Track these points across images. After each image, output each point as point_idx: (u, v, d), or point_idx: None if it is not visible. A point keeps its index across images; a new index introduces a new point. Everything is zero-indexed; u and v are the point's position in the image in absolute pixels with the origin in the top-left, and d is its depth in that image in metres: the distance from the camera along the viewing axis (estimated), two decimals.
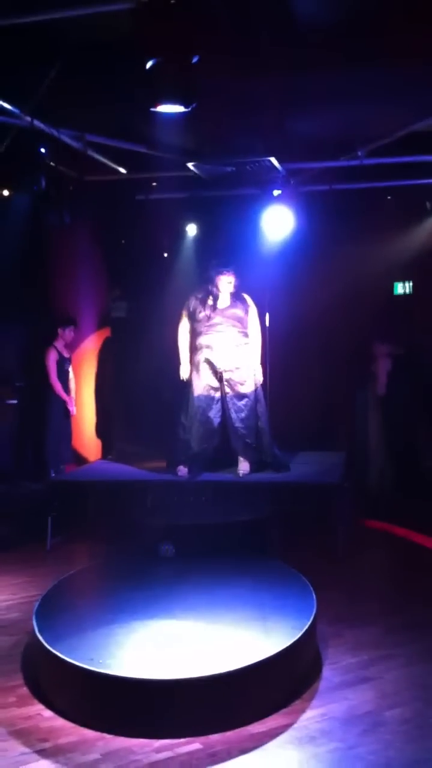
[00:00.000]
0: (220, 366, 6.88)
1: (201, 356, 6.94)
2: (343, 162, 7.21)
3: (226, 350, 6.88)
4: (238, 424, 6.87)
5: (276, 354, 8.37)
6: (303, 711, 3.77)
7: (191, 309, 7.06)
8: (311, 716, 3.72)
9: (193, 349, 7.04)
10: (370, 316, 8.52)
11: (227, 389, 6.88)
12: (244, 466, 6.88)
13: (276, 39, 4.89)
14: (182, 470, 6.85)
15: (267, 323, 8.31)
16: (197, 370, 6.97)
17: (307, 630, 4.08)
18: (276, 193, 7.38)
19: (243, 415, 6.88)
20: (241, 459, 6.90)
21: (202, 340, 6.94)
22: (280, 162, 6.95)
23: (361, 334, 8.53)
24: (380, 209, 8.23)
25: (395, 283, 9.12)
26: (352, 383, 8.63)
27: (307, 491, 6.69)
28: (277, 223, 7.50)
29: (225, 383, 6.89)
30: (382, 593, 5.63)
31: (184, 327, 7.16)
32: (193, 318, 7.04)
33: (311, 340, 8.88)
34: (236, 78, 5.39)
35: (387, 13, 4.55)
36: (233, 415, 6.86)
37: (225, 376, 6.89)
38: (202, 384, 6.93)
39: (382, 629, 4.83)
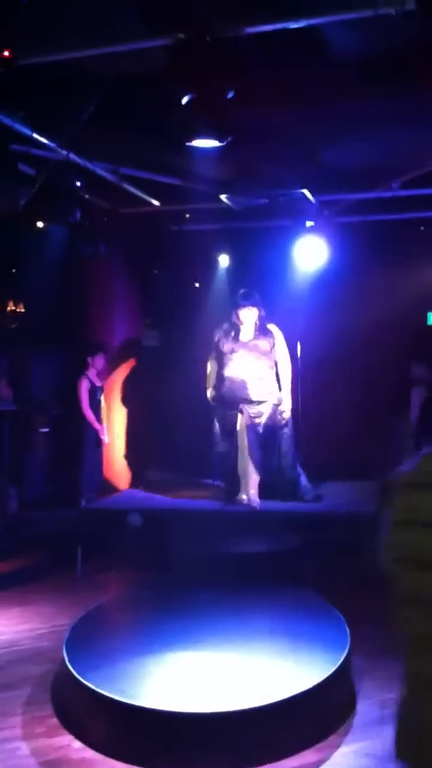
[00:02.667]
0: (240, 399, 6.87)
1: (222, 387, 6.97)
2: (377, 193, 7.23)
3: (246, 383, 6.87)
4: (253, 457, 6.84)
5: (308, 383, 8.36)
6: (337, 746, 3.70)
7: (216, 341, 7.11)
8: (346, 752, 3.65)
9: (219, 380, 7.07)
10: (403, 346, 8.49)
11: (247, 422, 6.87)
12: (254, 502, 6.83)
13: (309, 71, 4.94)
14: (251, 498, 6.82)
15: (299, 352, 8.32)
16: (220, 403, 7.01)
17: (341, 664, 4.02)
18: (309, 224, 7.42)
19: (260, 447, 6.85)
20: (251, 490, 6.86)
21: (225, 372, 6.97)
22: (312, 194, 6.99)
23: (394, 364, 8.48)
24: (414, 240, 8.23)
25: (429, 314, 9.08)
26: (386, 412, 8.57)
27: (342, 521, 6.62)
28: (310, 253, 7.53)
29: (245, 416, 6.88)
30: None
31: (211, 358, 7.24)
32: (218, 350, 7.09)
33: (344, 369, 8.86)
34: (269, 111, 5.45)
35: (420, 44, 4.58)
36: (249, 448, 6.84)
37: (245, 409, 6.88)
38: (223, 416, 6.96)
39: None
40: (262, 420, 6.88)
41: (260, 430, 6.88)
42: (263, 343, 6.98)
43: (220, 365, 7.06)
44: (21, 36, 4.41)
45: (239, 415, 6.92)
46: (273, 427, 6.92)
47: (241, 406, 6.90)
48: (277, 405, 6.94)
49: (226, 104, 4.58)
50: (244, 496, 6.87)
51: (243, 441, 6.92)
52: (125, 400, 9.09)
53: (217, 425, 7.05)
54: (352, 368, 8.87)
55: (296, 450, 7.21)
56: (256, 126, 5.65)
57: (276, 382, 7.01)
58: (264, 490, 6.91)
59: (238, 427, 6.94)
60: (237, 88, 4.53)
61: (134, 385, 9.17)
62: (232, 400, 6.92)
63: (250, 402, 6.87)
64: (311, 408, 8.39)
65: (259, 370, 6.91)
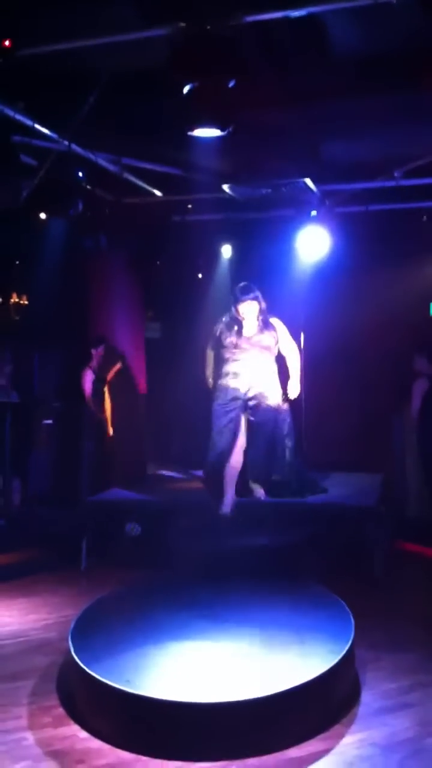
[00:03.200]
0: (242, 393, 6.81)
1: (224, 382, 6.91)
2: (379, 183, 7.21)
3: (249, 378, 6.81)
4: (253, 452, 6.81)
5: (311, 375, 8.33)
6: (342, 736, 3.71)
7: (218, 334, 7.03)
8: (350, 742, 3.66)
9: (219, 374, 7.00)
10: (406, 337, 8.47)
11: (248, 416, 6.82)
12: (259, 493, 6.82)
13: (311, 65, 4.93)
14: (255, 491, 6.81)
15: (302, 344, 8.30)
16: (220, 396, 6.92)
17: (345, 654, 4.03)
18: (313, 213, 7.40)
19: (260, 442, 6.82)
20: (254, 486, 6.84)
21: (227, 368, 6.87)
22: (315, 184, 6.97)
23: (397, 356, 8.47)
24: (416, 230, 8.20)
25: (431, 304, 9.07)
26: (388, 404, 8.57)
27: (343, 514, 6.62)
28: (313, 244, 7.51)
29: (247, 411, 6.83)
30: (421, 618, 5.54)
31: (210, 351, 7.18)
32: (219, 343, 7.01)
33: (347, 361, 8.84)
34: (272, 103, 5.43)
35: (422, 40, 4.56)
36: (250, 442, 6.81)
37: (247, 404, 6.83)
38: (223, 410, 6.88)
39: (422, 654, 4.74)
40: (264, 415, 6.83)
41: (262, 424, 6.83)
42: (267, 338, 6.89)
43: (223, 359, 6.97)
44: (21, 26, 4.40)
45: (240, 411, 6.87)
46: (275, 422, 6.87)
47: (242, 401, 6.84)
48: (280, 400, 6.90)
49: (228, 94, 4.56)
50: (250, 490, 6.87)
51: (244, 436, 6.88)
52: (127, 393, 9.08)
53: (217, 420, 6.94)
54: (354, 359, 8.86)
55: (299, 443, 7.17)
56: (259, 117, 5.63)
57: (278, 377, 6.96)
58: (267, 484, 6.89)
59: (240, 423, 6.89)
60: (238, 79, 4.51)
61: (136, 377, 9.16)
62: (233, 395, 6.85)
63: (252, 397, 6.81)
64: (313, 400, 8.37)
65: (262, 366, 6.84)
